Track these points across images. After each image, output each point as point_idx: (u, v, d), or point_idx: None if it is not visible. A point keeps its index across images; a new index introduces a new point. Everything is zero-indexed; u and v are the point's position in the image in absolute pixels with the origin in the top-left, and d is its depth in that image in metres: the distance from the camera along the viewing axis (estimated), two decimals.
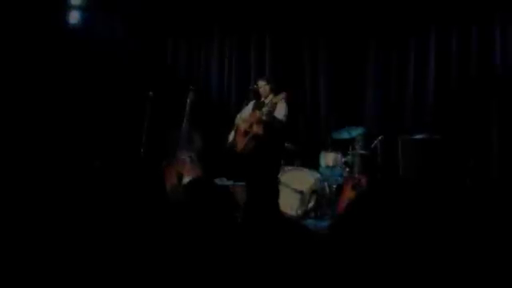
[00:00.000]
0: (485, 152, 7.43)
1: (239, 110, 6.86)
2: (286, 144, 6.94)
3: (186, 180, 7.12)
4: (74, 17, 8.25)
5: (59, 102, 7.75)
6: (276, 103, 6.19)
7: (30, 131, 7.22)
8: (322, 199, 7.14)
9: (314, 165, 7.59)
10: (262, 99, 6.49)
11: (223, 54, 9.06)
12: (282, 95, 6.14)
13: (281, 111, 6.22)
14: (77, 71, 8.07)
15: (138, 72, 8.83)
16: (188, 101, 7.85)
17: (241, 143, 6.38)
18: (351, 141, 7.36)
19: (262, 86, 6.51)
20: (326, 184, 7.29)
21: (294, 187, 7.17)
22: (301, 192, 7.17)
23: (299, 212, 7.06)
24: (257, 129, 6.19)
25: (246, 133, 6.33)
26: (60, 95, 7.75)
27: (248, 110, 6.57)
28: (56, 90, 7.76)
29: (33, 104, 7.49)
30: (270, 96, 6.42)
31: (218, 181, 7.53)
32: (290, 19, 8.62)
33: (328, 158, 7.35)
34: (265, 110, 6.15)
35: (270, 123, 6.17)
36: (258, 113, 6.26)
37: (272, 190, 6.27)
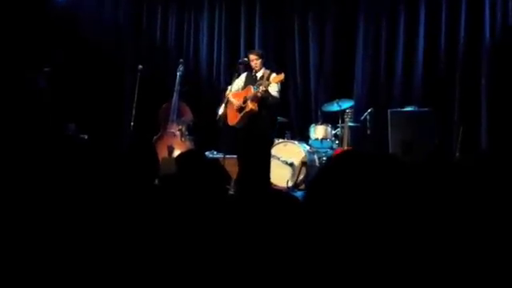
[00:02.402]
0: (474, 123, 7.47)
1: (229, 82, 6.84)
2: (278, 118, 6.95)
3: (176, 153, 7.13)
4: None
5: (47, 78, 7.69)
6: (271, 82, 6.19)
7: (14, 107, 7.17)
8: (311, 171, 7.17)
9: (304, 137, 7.62)
10: (254, 73, 6.47)
11: (212, 26, 8.99)
12: (280, 76, 6.13)
13: (274, 87, 6.23)
14: (65, 47, 8.01)
15: (127, 46, 8.78)
16: (177, 74, 7.82)
17: (234, 118, 6.38)
18: (341, 113, 7.36)
19: (254, 59, 6.49)
20: (315, 156, 7.32)
21: (285, 159, 7.21)
22: (291, 164, 7.20)
23: (290, 184, 7.10)
24: (252, 105, 6.20)
25: (240, 108, 6.34)
26: (47, 70, 7.68)
27: (239, 82, 6.56)
28: (42, 65, 7.69)
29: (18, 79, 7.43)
30: (262, 70, 6.41)
31: (208, 154, 7.55)
32: None
33: (318, 131, 7.38)
34: (261, 88, 6.14)
35: (265, 100, 6.18)
36: (252, 89, 6.25)
37: (264, 163, 6.30)
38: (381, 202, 1.39)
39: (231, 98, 6.44)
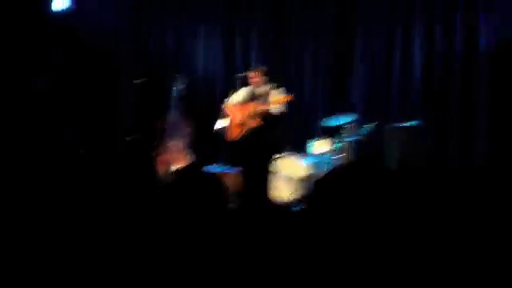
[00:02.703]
0: (470, 137, 7.57)
1: (225, 96, 6.86)
2: (279, 133, 6.97)
3: (175, 167, 7.12)
4: (61, 3, 8.21)
5: (44, 92, 7.71)
6: (275, 102, 6.21)
7: (16, 120, 7.17)
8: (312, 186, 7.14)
9: (304, 152, 7.62)
10: (255, 89, 6.50)
11: (209, 40, 9.03)
12: (287, 97, 6.16)
13: (277, 105, 6.28)
14: (63, 59, 8.02)
15: (125, 60, 8.79)
16: (175, 88, 7.83)
17: (235, 133, 6.40)
18: (340, 128, 7.37)
19: (256, 76, 6.51)
20: (316, 171, 7.30)
21: (286, 174, 7.18)
22: (291, 179, 7.18)
23: (290, 198, 7.08)
24: (254, 122, 6.24)
25: (241, 124, 6.36)
26: (46, 84, 7.70)
27: (239, 96, 6.57)
28: (41, 68, 7.71)
29: (19, 93, 7.44)
30: (263, 86, 6.44)
31: (207, 168, 7.53)
32: (276, 7, 8.62)
33: (318, 145, 7.38)
34: (264, 107, 6.17)
35: (267, 117, 6.22)
36: (254, 106, 6.28)
37: (263, 177, 6.30)
38: (373, 209, 1.40)
39: (231, 113, 6.46)
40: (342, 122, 7.37)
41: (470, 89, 7.66)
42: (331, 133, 7.52)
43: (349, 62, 8.35)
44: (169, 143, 7.63)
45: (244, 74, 6.74)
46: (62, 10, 8.24)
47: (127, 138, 7.36)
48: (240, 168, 6.43)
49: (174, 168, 7.14)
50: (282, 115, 6.39)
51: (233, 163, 6.74)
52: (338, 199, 1.53)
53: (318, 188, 1.64)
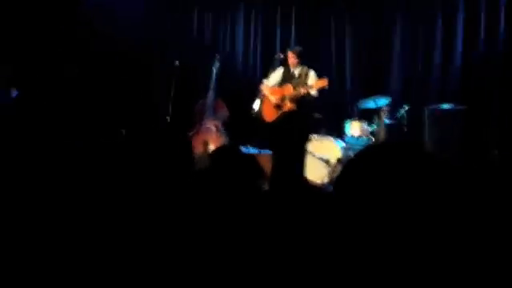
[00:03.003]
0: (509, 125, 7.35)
1: (264, 76, 6.89)
2: (314, 115, 6.96)
3: (211, 148, 7.19)
4: None
5: (84, 74, 7.84)
6: (313, 86, 6.22)
7: (50, 101, 7.32)
8: None
9: (339, 134, 7.59)
10: (292, 69, 6.51)
11: (249, 20, 9.02)
12: (324, 82, 6.17)
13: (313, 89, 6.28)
14: (103, 42, 8.11)
15: (165, 42, 8.86)
16: (213, 69, 7.88)
17: (271, 115, 6.43)
18: (377, 110, 7.32)
19: (293, 57, 6.53)
20: (351, 153, 7.29)
21: (320, 156, 7.18)
22: (327, 161, 7.18)
23: (325, 181, 7.09)
24: (291, 105, 6.27)
25: (277, 106, 6.39)
26: (86, 66, 7.83)
27: (276, 77, 6.59)
28: (82, 60, 7.84)
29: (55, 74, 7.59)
30: (300, 67, 6.45)
31: (243, 149, 7.58)
32: None
33: (354, 128, 7.34)
34: (302, 90, 6.19)
35: (304, 99, 6.24)
36: (291, 88, 6.30)
37: (299, 159, 6.31)
38: (408, 195, 1.39)
39: (268, 94, 6.48)
40: (378, 105, 7.32)
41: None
42: (368, 115, 7.47)
43: (388, 46, 8.23)
44: (205, 124, 7.71)
45: (282, 54, 6.74)
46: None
47: (167, 118, 7.45)
48: (274, 150, 6.45)
49: (210, 148, 7.21)
50: (316, 99, 6.38)
51: (267, 146, 6.77)
52: (366, 182, 1.51)
53: (346, 169, 1.61)
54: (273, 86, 6.56)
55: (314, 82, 6.31)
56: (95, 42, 8.02)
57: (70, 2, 8.03)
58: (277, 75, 6.64)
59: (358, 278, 1.41)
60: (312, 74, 6.44)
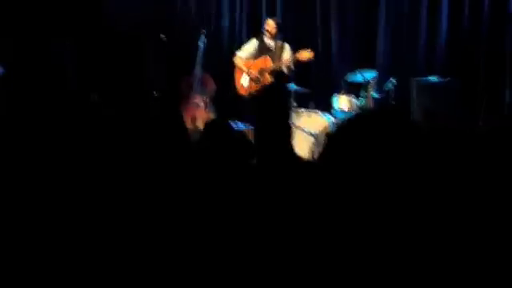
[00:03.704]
0: (497, 93, 7.39)
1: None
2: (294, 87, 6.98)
3: (200, 124, 7.19)
4: None
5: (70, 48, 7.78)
6: (295, 59, 6.20)
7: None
8: None
9: (327, 108, 7.60)
10: (267, 42, 6.47)
11: None
12: (310, 55, 6.14)
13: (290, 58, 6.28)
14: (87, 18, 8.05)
15: (149, 17, 8.78)
16: (200, 44, 7.84)
17: (249, 89, 6.42)
18: (364, 84, 7.33)
19: (272, 27, 6.50)
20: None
21: (309, 130, 7.19)
22: (315, 135, 7.19)
23: (314, 155, 7.10)
24: (270, 78, 6.25)
25: (255, 79, 6.36)
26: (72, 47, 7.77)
27: (249, 49, 6.54)
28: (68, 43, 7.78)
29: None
30: (275, 40, 6.42)
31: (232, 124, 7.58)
32: None
33: (341, 101, 7.34)
34: (285, 64, 6.16)
35: (283, 73, 6.23)
36: (270, 61, 6.27)
37: (284, 132, 6.33)
38: (394, 162, 1.39)
39: (244, 68, 6.44)
40: (366, 78, 7.32)
41: (500, 46, 7.43)
42: (355, 89, 7.47)
43: (373, 18, 8.19)
44: (193, 100, 7.69)
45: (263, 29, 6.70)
46: None
47: (155, 94, 7.42)
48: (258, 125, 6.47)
49: (198, 124, 7.21)
50: (306, 73, 6.40)
51: (249, 120, 6.79)
52: (351, 153, 1.51)
53: (330, 141, 1.61)
54: (248, 59, 6.52)
55: (288, 57, 6.29)
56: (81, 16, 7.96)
57: None
58: (250, 47, 6.60)
59: (348, 252, 1.42)
60: (287, 48, 6.41)
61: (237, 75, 6.80)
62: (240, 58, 6.56)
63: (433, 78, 7.20)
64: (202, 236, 1.79)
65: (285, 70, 6.28)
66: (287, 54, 6.38)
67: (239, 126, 7.51)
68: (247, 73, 6.46)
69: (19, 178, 1.90)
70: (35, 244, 1.71)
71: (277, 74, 6.27)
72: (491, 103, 7.11)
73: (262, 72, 6.33)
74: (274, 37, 6.46)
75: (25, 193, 1.82)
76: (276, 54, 6.36)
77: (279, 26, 6.52)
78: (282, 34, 6.65)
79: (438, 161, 1.55)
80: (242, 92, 6.53)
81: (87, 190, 1.85)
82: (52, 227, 1.73)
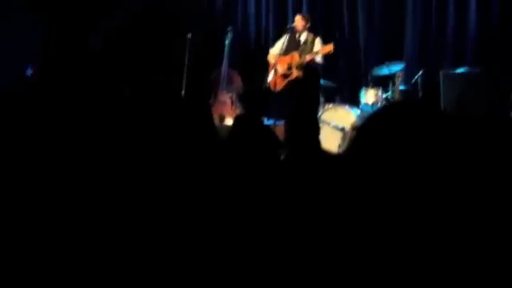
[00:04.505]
0: None
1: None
2: (323, 82, 6.94)
3: (227, 121, 7.22)
4: None
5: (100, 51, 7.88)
6: (319, 52, 6.20)
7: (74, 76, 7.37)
8: None
9: (354, 102, 7.57)
10: (298, 36, 6.48)
11: None
12: (329, 47, 6.14)
13: (320, 54, 6.27)
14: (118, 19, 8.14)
15: (176, 15, 8.82)
16: (226, 41, 7.86)
17: (279, 84, 6.43)
18: (391, 77, 7.28)
19: (300, 21, 6.50)
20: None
21: (336, 124, 7.16)
22: (342, 129, 7.16)
23: (341, 149, 7.08)
24: (297, 73, 6.26)
25: (284, 75, 6.38)
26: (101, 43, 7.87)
27: (281, 44, 6.57)
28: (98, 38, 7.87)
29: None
30: (306, 34, 6.42)
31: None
32: None
33: (369, 95, 7.30)
34: (308, 57, 6.17)
35: (311, 66, 6.22)
36: (297, 56, 6.28)
37: (312, 127, 6.32)
38: (424, 154, 1.37)
39: (275, 64, 6.48)
40: (392, 71, 7.27)
41: None
42: (382, 82, 7.43)
43: (401, 11, 8.12)
44: (220, 97, 7.72)
45: (293, 24, 6.71)
46: None
47: (182, 91, 7.47)
48: (285, 120, 6.48)
49: (226, 122, 7.24)
50: (324, 62, 6.37)
51: (279, 116, 6.79)
52: (379, 145, 1.48)
53: (357, 134, 1.59)
54: (279, 55, 6.54)
55: (317, 50, 6.29)
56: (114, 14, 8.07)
57: None
58: (281, 42, 6.62)
59: (373, 246, 1.41)
60: (318, 41, 6.41)
61: (270, 72, 6.83)
62: (272, 55, 6.59)
63: (461, 69, 7.12)
64: (230, 232, 1.80)
65: (319, 61, 6.27)
66: (317, 46, 6.38)
67: (266, 122, 7.54)
68: (276, 69, 6.48)
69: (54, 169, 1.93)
70: (40, 240, 1.72)
71: (306, 69, 6.27)
72: None
73: (290, 67, 6.35)
74: (303, 31, 6.47)
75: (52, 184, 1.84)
76: (306, 48, 6.37)
77: (307, 20, 6.52)
78: (312, 28, 6.64)
79: (471, 152, 1.51)
80: (272, 88, 6.55)
81: (114, 184, 1.86)
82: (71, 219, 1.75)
